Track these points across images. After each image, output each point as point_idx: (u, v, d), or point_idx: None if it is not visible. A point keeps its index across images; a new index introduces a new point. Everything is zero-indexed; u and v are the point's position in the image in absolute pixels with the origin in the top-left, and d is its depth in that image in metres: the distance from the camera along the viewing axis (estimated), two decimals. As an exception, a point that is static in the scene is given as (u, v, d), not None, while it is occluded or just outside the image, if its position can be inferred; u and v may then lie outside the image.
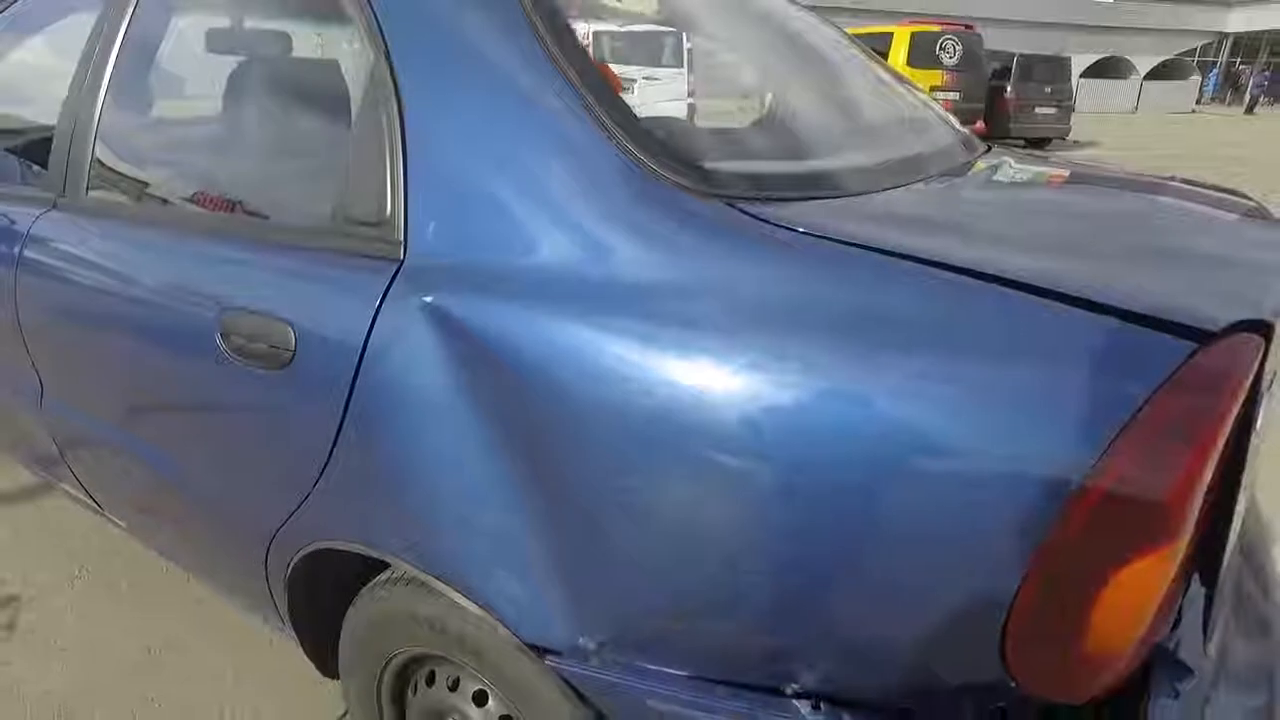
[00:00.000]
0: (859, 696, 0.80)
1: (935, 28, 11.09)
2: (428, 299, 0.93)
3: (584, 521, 0.86)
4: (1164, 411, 0.65)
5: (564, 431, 0.85)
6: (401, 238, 0.98)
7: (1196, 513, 0.68)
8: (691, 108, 3.82)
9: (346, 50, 1.15)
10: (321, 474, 1.07)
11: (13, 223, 1.54)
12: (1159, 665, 0.77)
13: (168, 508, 1.49)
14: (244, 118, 1.47)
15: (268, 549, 1.21)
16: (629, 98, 1.01)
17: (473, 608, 0.97)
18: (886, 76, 1.64)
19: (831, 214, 0.94)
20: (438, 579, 0.99)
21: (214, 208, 1.32)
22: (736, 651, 0.85)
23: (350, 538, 1.09)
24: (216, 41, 1.52)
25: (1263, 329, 0.70)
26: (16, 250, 1.50)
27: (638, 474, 0.82)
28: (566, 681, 0.93)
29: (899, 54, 10.49)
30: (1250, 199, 1.26)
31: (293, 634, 1.32)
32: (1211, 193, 1.31)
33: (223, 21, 1.59)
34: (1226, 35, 31.81)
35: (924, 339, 0.74)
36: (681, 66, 6.82)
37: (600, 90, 0.96)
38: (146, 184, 1.46)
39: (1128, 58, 28.26)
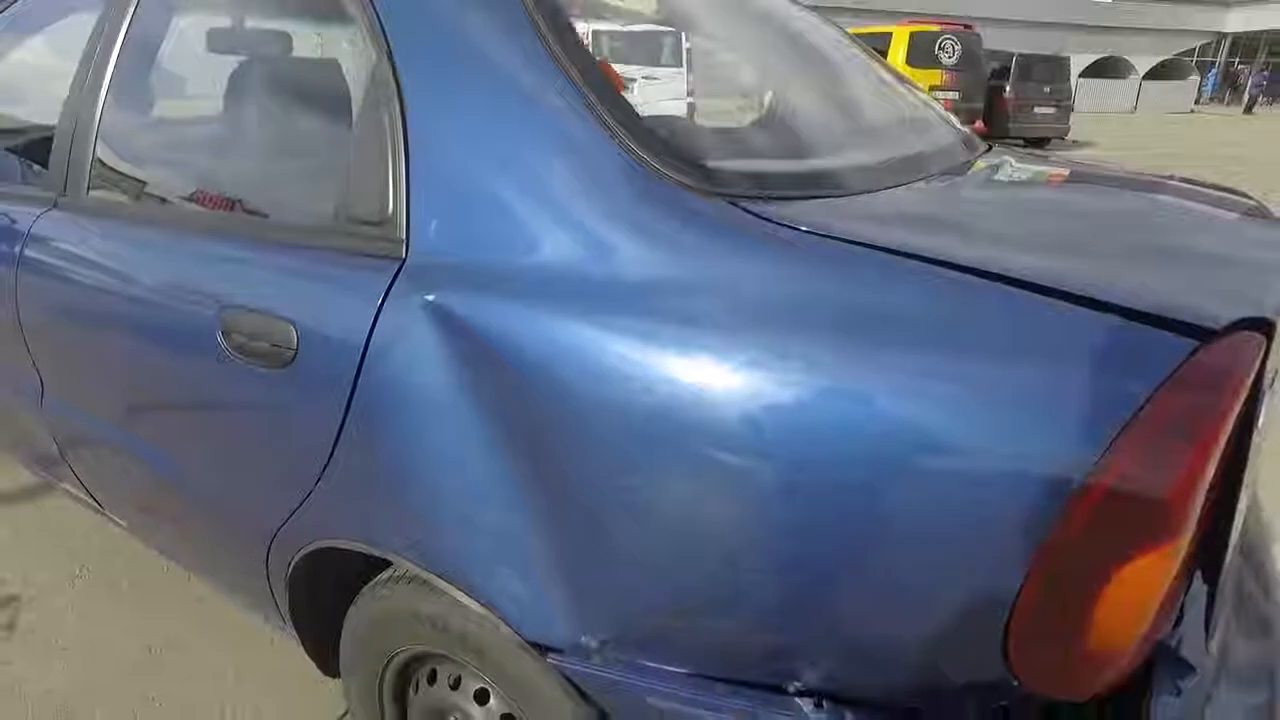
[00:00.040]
0: (860, 694, 0.80)
1: (934, 27, 11.08)
2: (430, 298, 0.93)
3: (586, 520, 0.86)
4: (1166, 409, 0.66)
5: (566, 430, 0.85)
6: (404, 236, 0.98)
7: (1198, 510, 0.68)
8: (691, 107, 3.82)
9: (348, 50, 1.15)
10: (323, 472, 1.07)
11: (14, 222, 1.54)
12: (1161, 663, 0.77)
13: (168, 507, 1.49)
14: (246, 118, 1.47)
15: (269, 548, 1.21)
16: (629, 97, 1.01)
17: (475, 606, 0.97)
18: (887, 76, 1.64)
19: (834, 213, 0.94)
20: (439, 577, 1.00)
21: (215, 207, 1.32)
22: (738, 649, 0.85)
23: (352, 536, 1.09)
24: (218, 41, 1.52)
25: (1264, 327, 0.70)
26: (17, 249, 1.50)
27: (640, 472, 0.82)
28: (568, 679, 0.93)
29: (898, 54, 10.49)
30: (1251, 198, 1.26)
31: (294, 633, 1.32)
32: (1212, 192, 1.32)
33: (224, 21, 1.59)
34: (1225, 35, 31.84)
35: (925, 337, 0.74)
36: (681, 66, 6.83)
37: (602, 89, 0.96)
38: (148, 183, 1.46)
39: (1126, 58, 28.29)
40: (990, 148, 1.51)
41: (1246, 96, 27.10)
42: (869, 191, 1.03)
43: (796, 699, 0.81)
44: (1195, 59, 31.14)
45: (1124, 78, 27.82)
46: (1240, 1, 29.69)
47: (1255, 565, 1.10)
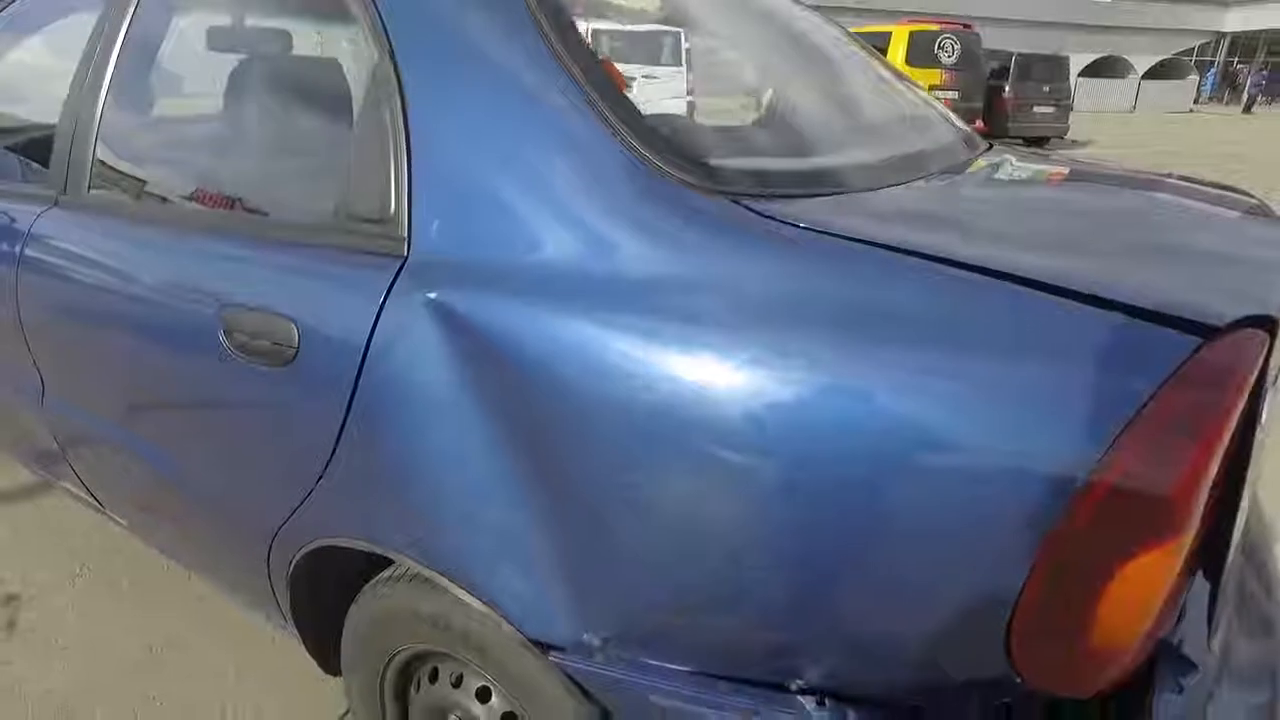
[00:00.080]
0: (863, 692, 0.80)
1: (934, 27, 11.09)
2: (431, 295, 0.93)
3: (588, 517, 0.86)
4: (1169, 407, 0.65)
5: (568, 427, 0.85)
6: (405, 234, 0.98)
7: (1201, 508, 0.68)
8: (691, 106, 3.83)
9: (350, 48, 1.15)
10: (325, 471, 1.07)
11: (14, 221, 1.54)
12: (1163, 660, 0.77)
13: (169, 505, 1.49)
14: (247, 116, 1.47)
15: (270, 546, 1.21)
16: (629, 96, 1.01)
17: (476, 604, 0.97)
18: (888, 74, 1.65)
19: (835, 210, 0.94)
20: (441, 575, 0.99)
21: (217, 205, 1.32)
22: (740, 647, 0.85)
23: (353, 534, 1.09)
24: (218, 40, 1.52)
25: (1268, 325, 0.70)
26: (18, 248, 1.50)
27: (641, 470, 0.82)
28: (570, 677, 0.93)
29: (897, 53, 10.49)
30: (1252, 196, 1.26)
31: (295, 631, 1.32)
32: (1212, 190, 1.32)
33: (225, 20, 1.59)
34: (1224, 35, 31.84)
35: (927, 334, 0.74)
36: (680, 65, 6.84)
37: (604, 87, 0.96)
38: (149, 182, 1.46)
39: (1125, 57, 28.28)
40: (990, 146, 1.52)
41: (1245, 96, 27.10)
42: (870, 189, 1.03)
43: (799, 697, 0.81)
44: (1194, 58, 31.15)
45: (1123, 77, 27.82)
46: (1239, 1, 29.70)
47: (1257, 565, 1.10)
